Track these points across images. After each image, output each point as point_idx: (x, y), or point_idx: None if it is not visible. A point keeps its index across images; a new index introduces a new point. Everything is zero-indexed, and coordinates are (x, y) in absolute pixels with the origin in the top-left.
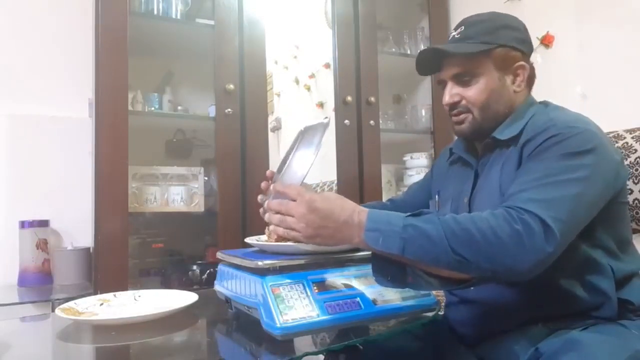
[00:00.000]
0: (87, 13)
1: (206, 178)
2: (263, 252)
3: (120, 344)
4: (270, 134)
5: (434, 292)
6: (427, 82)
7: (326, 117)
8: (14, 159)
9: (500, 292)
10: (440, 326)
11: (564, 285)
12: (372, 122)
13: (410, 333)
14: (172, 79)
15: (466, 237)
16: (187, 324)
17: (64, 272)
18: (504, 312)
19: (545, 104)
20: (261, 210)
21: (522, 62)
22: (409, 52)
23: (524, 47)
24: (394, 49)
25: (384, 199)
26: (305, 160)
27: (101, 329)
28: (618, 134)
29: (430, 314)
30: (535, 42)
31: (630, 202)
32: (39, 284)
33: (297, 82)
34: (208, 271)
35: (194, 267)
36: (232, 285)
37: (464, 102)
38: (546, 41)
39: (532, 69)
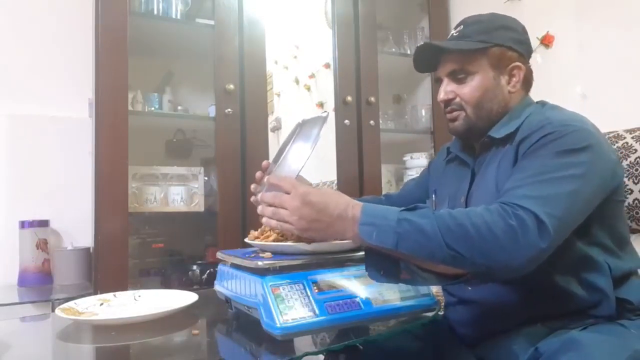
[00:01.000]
0: (87, 13)
1: (206, 178)
2: (263, 252)
3: (120, 344)
4: (270, 134)
5: (433, 292)
6: (427, 82)
7: (325, 112)
8: (14, 159)
9: (499, 292)
10: (440, 326)
11: (561, 283)
12: (372, 122)
13: (410, 333)
14: (172, 79)
15: (461, 232)
16: (187, 324)
17: (64, 272)
18: (502, 311)
19: (542, 103)
20: (253, 198)
21: (518, 63)
22: (409, 52)
23: (521, 49)
24: (394, 49)
25: None
26: (301, 153)
27: (101, 329)
28: (618, 134)
29: (430, 314)
30: (535, 42)
31: (630, 202)
32: (39, 284)
33: (297, 82)
34: (208, 271)
35: (194, 267)
36: (232, 285)
37: (457, 99)
38: (546, 41)
39: (529, 70)
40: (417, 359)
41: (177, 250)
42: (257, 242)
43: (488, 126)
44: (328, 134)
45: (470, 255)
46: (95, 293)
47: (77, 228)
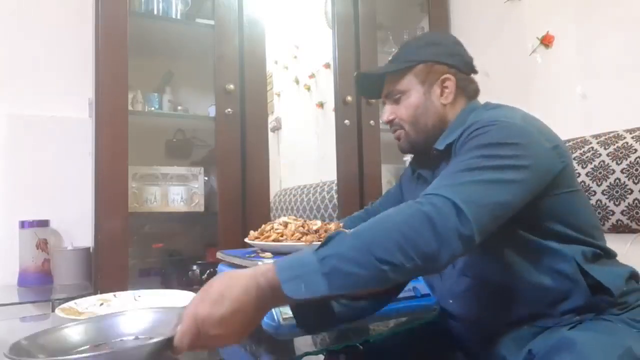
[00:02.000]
0: (87, 13)
1: (206, 178)
2: (263, 252)
3: None
4: (270, 134)
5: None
6: None
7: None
8: (14, 159)
9: (477, 303)
10: (439, 326)
11: (532, 278)
12: (372, 122)
13: (410, 333)
14: (172, 79)
15: (383, 239)
16: None
17: (64, 272)
18: (488, 319)
19: (486, 106)
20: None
21: (447, 75)
22: None
23: (452, 60)
24: (394, 49)
25: None
26: None
27: None
28: (618, 134)
29: (429, 314)
30: (535, 42)
31: (630, 202)
32: (39, 284)
33: (297, 82)
34: (208, 271)
35: (194, 267)
36: None
37: (396, 119)
38: (546, 41)
39: (464, 79)
40: (417, 359)
41: (177, 250)
42: (257, 242)
43: (430, 140)
44: (328, 133)
45: (400, 261)
46: (95, 293)
47: (77, 228)
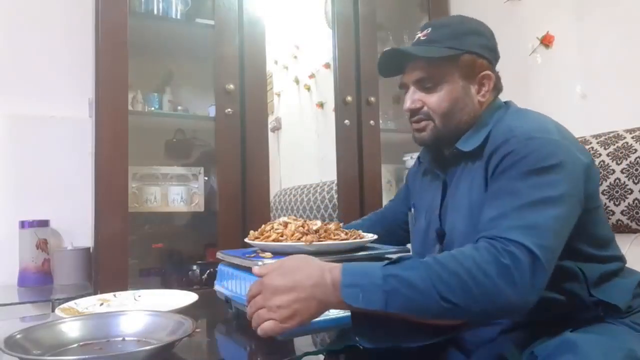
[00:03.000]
0: (87, 13)
1: (206, 178)
2: (263, 252)
3: None
4: (270, 134)
5: None
6: None
7: None
8: (14, 159)
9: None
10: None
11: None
12: (372, 122)
13: None
14: (172, 79)
15: (455, 282)
16: None
17: (64, 272)
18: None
19: (507, 106)
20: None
21: (487, 72)
22: None
23: (490, 55)
24: None
25: (384, 199)
26: None
27: None
28: (618, 134)
29: None
30: (535, 42)
31: (630, 202)
32: (39, 284)
33: (297, 82)
34: (208, 271)
35: (194, 267)
36: (232, 285)
37: (425, 108)
38: (546, 41)
39: (497, 77)
40: (417, 358)
41: (177, 251)
42: (257, 242)
43: (456, 136)
44: (328, 133)
45: (467, 305)
46: (95, 293)
47: (77, 228)
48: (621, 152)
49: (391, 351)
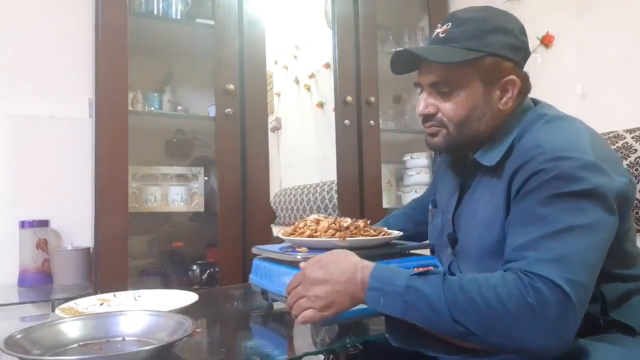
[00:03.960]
0: (87, 13)
1: (206, 178)
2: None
3: None
4: (270, 134)
5: None
6: None
7: None
8: (14, 159)
9: None
10: None
11: None
12: (372, 122)
13: None
14: (172, 79)
15: (468, 306)
16: None
17: (64, 272)
18: None
19: (539, 114)
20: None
21: (512, 77)
22: None
23: (518, 56)
24: (394, 49)
25: (384, 199)
26: None
27: None
28: (618, 134)
29: None
30: (535, 42)
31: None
32: (39, 284)
33: (297, 82)
34: (208, 271)
35: (194, 267)
36: (269, 277)
37: (439, 115)
38: (546, 41)
39: (524, 79)
40: (417, 358)
41: (177, 251)
42: (293, 238)
43: (471, 145)
44: (328, 133)
45: (478, 332)
46: (95, 293)
47: (77, 228)
48: (621, 152)
49: (391, 351)
